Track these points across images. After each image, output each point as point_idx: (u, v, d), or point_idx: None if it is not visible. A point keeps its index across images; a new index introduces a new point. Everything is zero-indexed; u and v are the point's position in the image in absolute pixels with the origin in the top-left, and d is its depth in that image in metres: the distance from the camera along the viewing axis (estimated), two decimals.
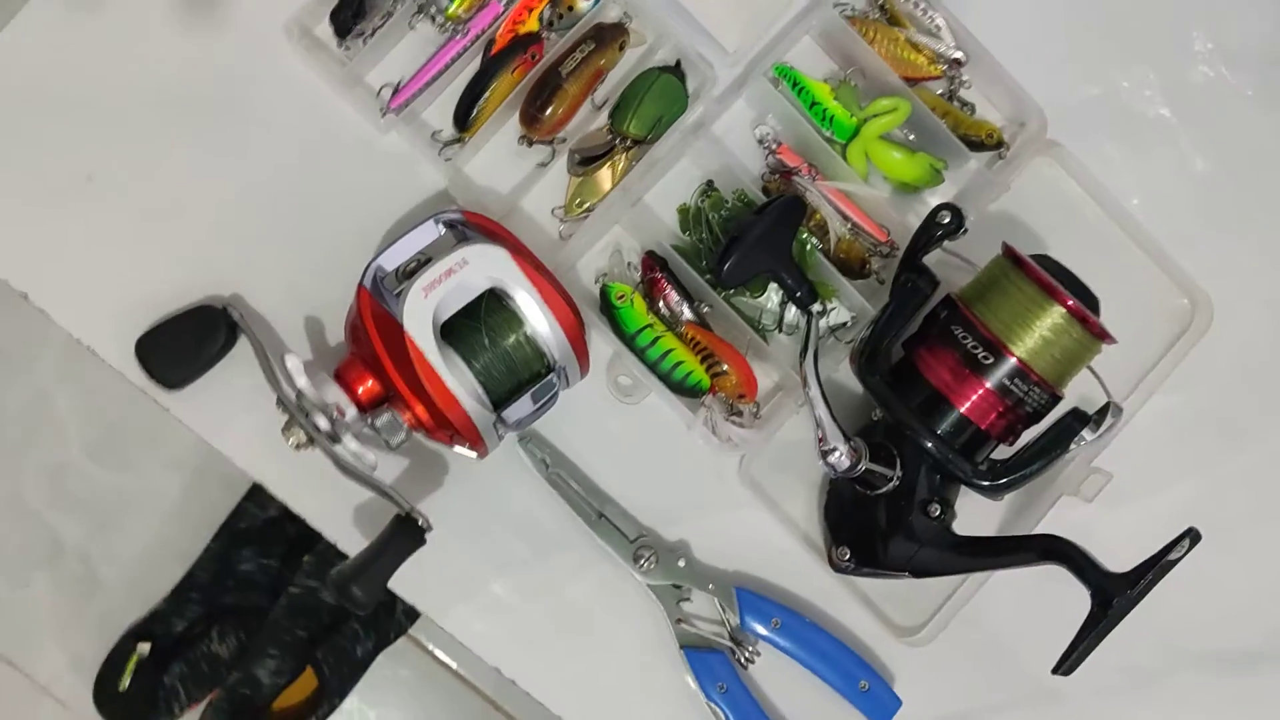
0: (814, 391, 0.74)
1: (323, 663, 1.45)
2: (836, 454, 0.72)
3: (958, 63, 0.85)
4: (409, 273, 0.71)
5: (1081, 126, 0.87)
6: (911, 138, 0.85)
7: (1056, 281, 0.73)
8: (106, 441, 1.52)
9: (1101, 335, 0.73)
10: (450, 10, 0.79)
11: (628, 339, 0.79)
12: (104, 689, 1.40)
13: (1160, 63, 0.89)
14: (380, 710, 1.55)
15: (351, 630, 1.46)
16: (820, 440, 0.73)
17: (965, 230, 0.76)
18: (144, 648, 1.43)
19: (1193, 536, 0.69)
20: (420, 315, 0.69)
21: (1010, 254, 0.75)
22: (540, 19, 0.80)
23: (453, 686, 1.56)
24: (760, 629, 0.80)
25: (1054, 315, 0.73)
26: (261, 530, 1.48)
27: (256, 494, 1.49)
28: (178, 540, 1.50)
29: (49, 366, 1.52)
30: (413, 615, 1.51)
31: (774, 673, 0.81)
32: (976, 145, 0.84)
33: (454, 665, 1.56)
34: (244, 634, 1.45)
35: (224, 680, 1.42)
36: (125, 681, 1.41)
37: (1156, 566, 0.68)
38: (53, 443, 1.51)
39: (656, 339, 0.79)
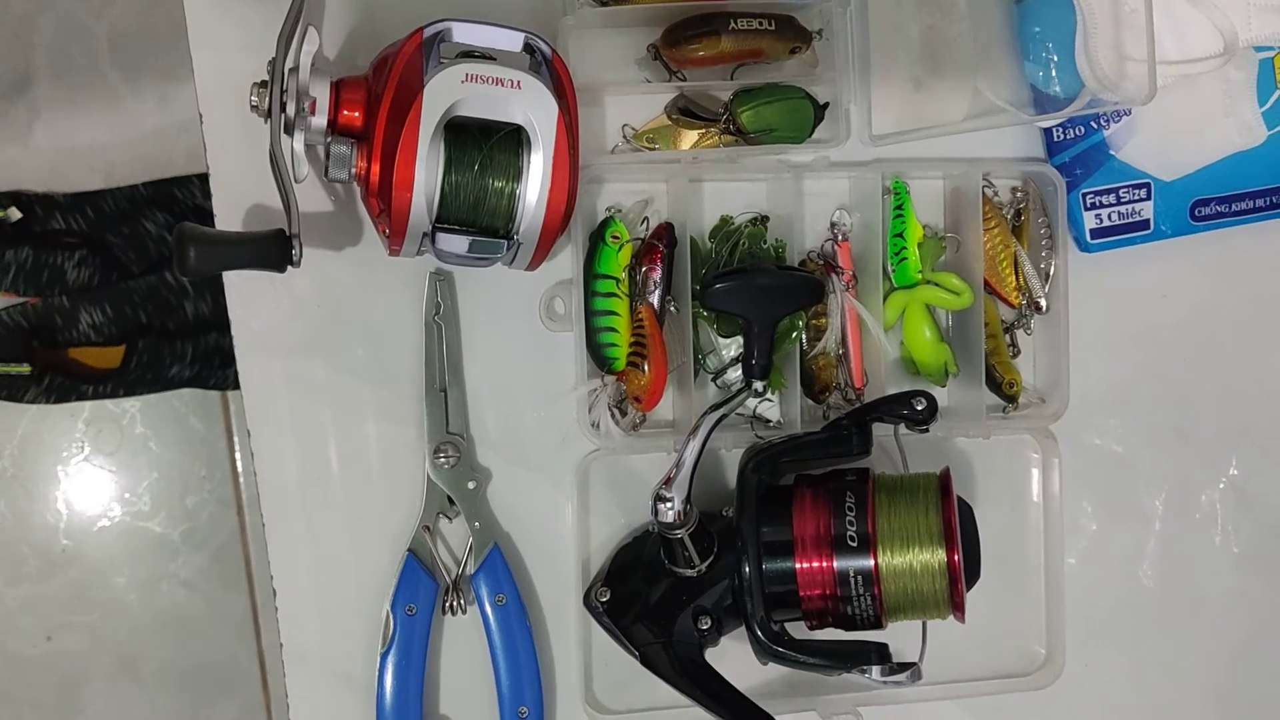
0: (695, 444, 0.69)
1: (138, 353, 1.40)
2: (669, 505, 0.68)
3: (1037, 308, 0.82)
4: (467, 55, 0.68)
5: (1088, 465, 0.84)
6: (950, 333, 0.82)
7: (960, 534, 0.69)
8: (132, 43, 1.47)
9: (958, 606, 0.69)
10: None
11: (590, 274, 0.75)
12: None
13: (1179, 488, 0.87)
14: (149, 431, 1.50)
15: (182, 348, 1.41)
16: (665, 482, 0.68)
17: (926, 430, 0.73)
18: (13, 212, 1.38)
19: None
20: (444, 93, 0.65)
21: (945, 482, 0.71)
22: None
23: (222, 464, 1.51)
24: (484, 593, 0.75)
25: (935, 557, 0.69)
26: (186, 211, 1.43)
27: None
28: (117, 160, 1.44)
29: None
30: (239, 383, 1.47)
31: (459, 640, 0.77)
32: (991, 383, 0.81)
33: (235, 444, 1.52)
34: (98, 277, 1.39)
35: (50, 296, 1.38)
36: None
37: None
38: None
39: (611, 295, 0.75)
